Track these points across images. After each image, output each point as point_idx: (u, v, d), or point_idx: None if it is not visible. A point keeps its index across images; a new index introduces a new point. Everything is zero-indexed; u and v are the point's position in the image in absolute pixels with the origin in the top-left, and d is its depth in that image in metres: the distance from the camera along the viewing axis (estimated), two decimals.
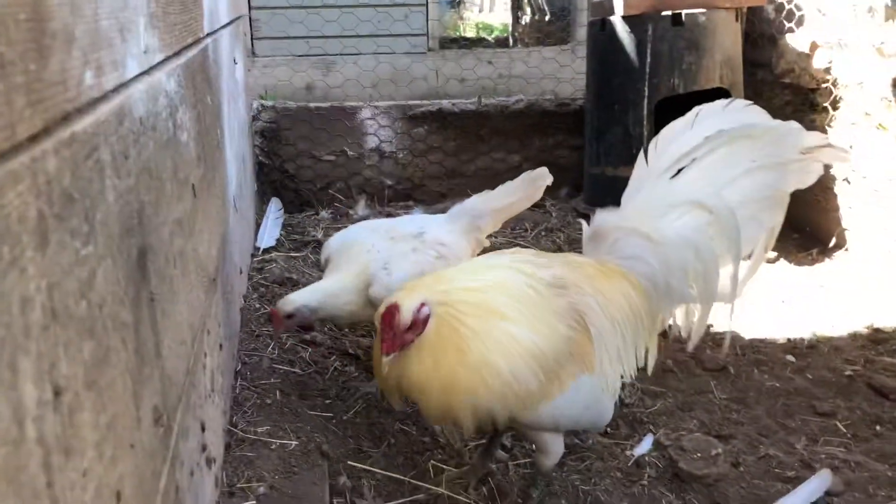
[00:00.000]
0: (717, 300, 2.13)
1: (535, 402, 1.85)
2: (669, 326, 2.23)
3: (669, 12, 3.93)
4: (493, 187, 2.78)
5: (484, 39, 8.74)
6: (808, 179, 2.12)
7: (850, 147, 3.61)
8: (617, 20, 4.07)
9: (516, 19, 9.52)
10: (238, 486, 2.01)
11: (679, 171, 2.11)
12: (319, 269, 3.01)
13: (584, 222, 2.28)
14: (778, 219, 2.14)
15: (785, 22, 4.23)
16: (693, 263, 2.08)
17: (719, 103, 2.20)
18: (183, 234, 1.60)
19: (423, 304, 1.81)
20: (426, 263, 2.45)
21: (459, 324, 1.81)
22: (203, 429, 1.76)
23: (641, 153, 2.20)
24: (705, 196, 2.07)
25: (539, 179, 2.71)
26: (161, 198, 1.33)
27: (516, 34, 9.13)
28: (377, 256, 2.49)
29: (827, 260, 3.86)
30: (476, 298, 1.86)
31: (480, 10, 14.16)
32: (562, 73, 5.50)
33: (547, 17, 7.93)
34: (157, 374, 1.23)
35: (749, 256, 2.16)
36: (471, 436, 2.15)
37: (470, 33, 10.05)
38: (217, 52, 2.62)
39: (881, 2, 3.58)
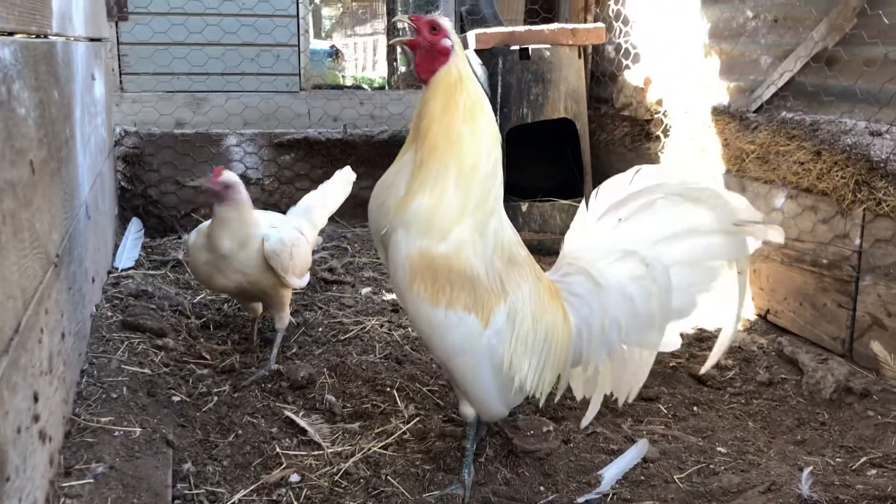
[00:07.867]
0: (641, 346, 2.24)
1: (418, 296, 2.01)
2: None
3: (517, 47, 4.25)
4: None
5: (360, 87, 9.02)
6: (742, 252, 2.19)
7: (679, 165, 3.97)
8: (471, 54, 4.36)
9: (392, 70, 9.98)
10: (76, 467, 2.01)
11: (620, 222, 2.23)
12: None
13: None
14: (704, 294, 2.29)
15: (623, 60, 4.64)
16: (628, 317, 2.18)
17: (661, 165, 2.39)
18: (17, 199, 1.65)
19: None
20: (295, 233, 3.03)
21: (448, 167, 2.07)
22: (35, 398, 1.77)
23: (582, 202, 2.34)
24: (641, 247, 2.18)
25: (347, 176, 3.41)
26: None
27: (392, 81, 9.52)
28: (266, 221, 3.01)
29: None
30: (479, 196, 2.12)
31: (364, 69, 14.61)
32: None
33: None
34: None
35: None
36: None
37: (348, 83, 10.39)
38: (68, 57, 2.66)
39: (701, 40, 4.01)
